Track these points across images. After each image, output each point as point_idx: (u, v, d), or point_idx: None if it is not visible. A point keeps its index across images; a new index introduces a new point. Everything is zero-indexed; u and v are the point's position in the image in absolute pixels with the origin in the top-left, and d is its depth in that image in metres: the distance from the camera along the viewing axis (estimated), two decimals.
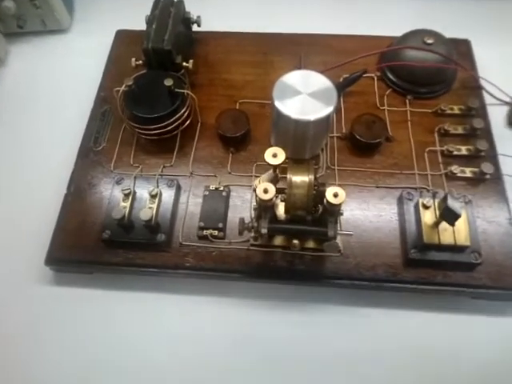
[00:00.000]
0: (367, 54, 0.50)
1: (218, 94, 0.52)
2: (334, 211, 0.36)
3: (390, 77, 0.51)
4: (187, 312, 0.42)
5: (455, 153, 0.46)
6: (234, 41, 0.56)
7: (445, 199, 0.37)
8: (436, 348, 0.40)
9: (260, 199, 0.35)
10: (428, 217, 0.41)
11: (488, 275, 0.40)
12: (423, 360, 0.40)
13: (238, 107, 0.50)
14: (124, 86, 0.45)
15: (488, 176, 0.44)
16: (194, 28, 0.55)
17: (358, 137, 0.46)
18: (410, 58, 0.48)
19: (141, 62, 0.49)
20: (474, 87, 0.51)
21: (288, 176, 0.37)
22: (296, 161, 0.38)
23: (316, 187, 0.37)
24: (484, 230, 0.42)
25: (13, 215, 0.48)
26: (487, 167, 0.44)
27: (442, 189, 0.44)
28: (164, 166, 0.47)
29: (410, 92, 0.50)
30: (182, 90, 0.46)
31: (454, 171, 0.44)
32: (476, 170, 0.45)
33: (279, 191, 0.37)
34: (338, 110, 0.49)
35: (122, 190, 0.43)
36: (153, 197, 0.43)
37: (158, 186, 0.45)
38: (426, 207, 0.41)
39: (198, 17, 0.54)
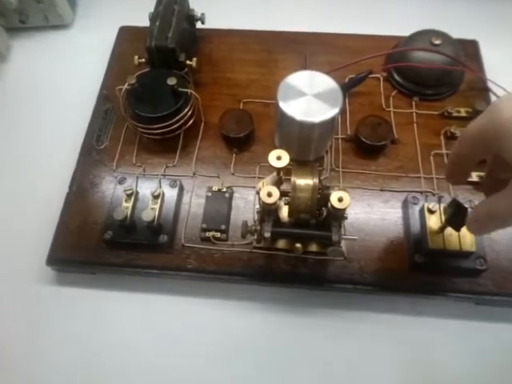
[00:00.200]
0: (374, 55, 0.49)
1: (221, 93, 0.51)
2: (339, 215, 0.36)
3: (397, 78, 0.50)
4: (189, 314, 0.42)
5: None
6: (238, 39, 0.55)
7: (451, 204, 0.36)
8: (438, 353, 0.40)
9: (263, 203, 0.35)
10: (433, 221, 0.40)
11: (493, 281, 0.40)
12: (425, 365, 0.40)
13: (241, 107, 0.50)
14: (127, 84, 0.45)
15: None
16: (198, 25, 0.54)
17: (363, 139, 0.45)
18: (416, 59, 0.48)
19: (144, 59, 0.48)
20: (481, 89, 0.50)
21: (292, 179, 0.36)
22: (300, 163, 0.38)
23: (320, 190, 0.36)
24: (489, 236, 0.41)
25: (14, 214, 0.47)
26: None
27: (447, 193, 0.44)
28: (167, 166, 0.46)
29: (416, 93, 0.49)
30: (186, 90, 0.46)
31: None
32: (482, 174, 0.44)
33: (283, 194, 0.37)
34: (343, 111, 0.48)
35: (125, 191, 0.42)
36: (155, 197, 0.43)
37: (160, 187, 0.44)
38: (431, 212, 0.41)
39: (203, 14, 0.53)
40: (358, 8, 0.61)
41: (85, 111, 0.51)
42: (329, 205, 0.34)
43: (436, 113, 0.48)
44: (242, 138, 0.47)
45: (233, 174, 0.46)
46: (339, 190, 0.35)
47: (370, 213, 0.43)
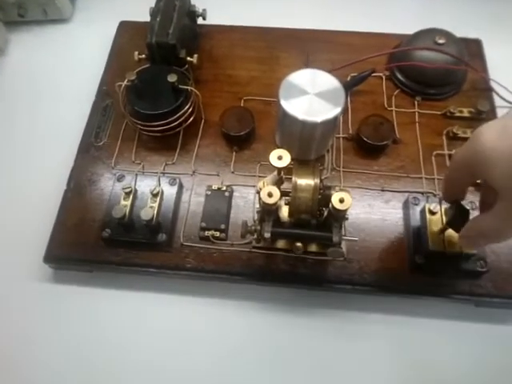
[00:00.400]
0: (377, 54, 0.49)
1: (222, 90, 0.51)
2: (340, 216, 0.35)
3: (399, 77, 0.49)
4: (187, 313, 0.42)
5: None
6: (239, 35, 0.55)
7: (453, 206, 0.36)
8: (438, 354, 0.40)
9: (264, 203, 0.34)
10: (434, 223, 0.40)
11: (493, 283, 0.40)
12: (424, 366, 0.40)
13: (242, 104, 0.49)
14: (126, 80, 0.44)
15: None
16: (199, 21, 0.54)
17: (364, 138, 0.45)
18: (420, 58, 0.47)
19: (144, 55, 0.48)
20: (484, 89, 0.50)
21: (293, 179, 0.36)
22: (301, 162, 0.38)
23: (321, 191, 0.36)
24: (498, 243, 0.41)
25: (11, 211, 0.47)
26: None
27: None
28: (166, 164, 0.46)
29: (418, 93, 0.49)
30: (186, 87, 0.45)
31: None
32: None
33: (283, 194, 0.36)
34: (345, 109, 0.48)
35: (123, 189, 0.42)
36: (154, 195, 0.42)
37: (159, 185, 0.44)
38: (432, 213, 0.40)
39: (204, 10, 0.52)
40: (361, 5, 0.60)
41: (83, 107, 0.50)
42: (330, 206, 0.34)
43: (438, 112, 0.48)
44: (243, 136, 0.46)
45: (233, 172, 0.45)
46: (340, 190, 0.35)
47: (371, 213, 0.43)
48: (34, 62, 0.57)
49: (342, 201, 0.33)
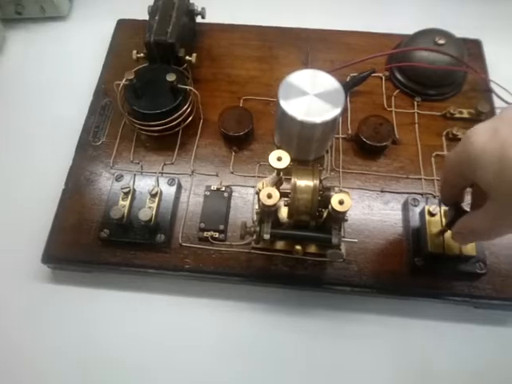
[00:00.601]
0: (377, 54, 0.48)
1: (221, 89, 0.50)
2: (339, 218, 0.35)
3: (399, 77, 0.49)
4: (186, 314, 0.41)
5: None
6: (238, 34, 0.54)
7: (452, 208, 0.36)
8: (437, 356, 0.40)
9: (263, 204, 0.34)
10: (433, 224, 0.40)
11: (492, 285, 0.40)
12: (423, 368, 0.40)
13: (241, 104, 0.49)
14: (125, 79, 0.44)
15: None
16: (198, 20, 0.53)
17: (364, 139, 0.45)
18: (420, 58, 0.47)
19: (142, 54, 0.47)
20: (484, 90, 0.49)
21: (292, 180, 0.36)
22: (301, 163, 0.37)
23: (321, 192, 0.36)
24: (490, 240, 0.41)
25: (9, 210, 0.46)
26: None
27: None
28: (165, 164, 0.46)
29: (418, 93, 0.49)
30: (185, 86, 0.45)
31: None
32: None
33: (283, 195, 0.36)
34: (344, 110, 0.48)
35: (122, 189, 0.42)
36: (153, 196, 0.42)
37: (158, 185, 0.43)
38: (431, 214, 0.40)
39: (203, 8, 0.52)
40: (361, 5, 0.60)
41: (81, 106, 0.50)
42: (329, 207, 0.34)
43: (438, 113, 0.48)
44: (242, 137, 0.46)
45: (232, 172, 0.45)
46: (340, 191, 0.35)
47: (370, 214, 0.43)
48: (31, 60, 0.57)
49: (341, 202, 0.33)
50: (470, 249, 0.39)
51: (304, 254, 0.40)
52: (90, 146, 0.47)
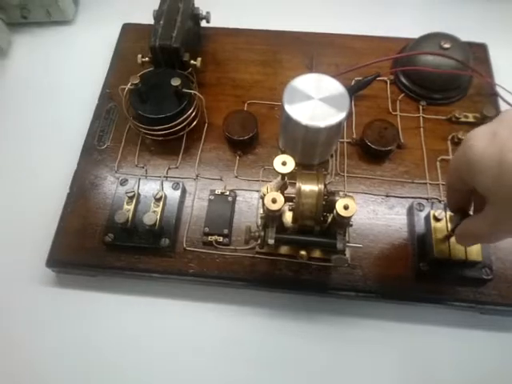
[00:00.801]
0: (382, 58, 0.48)
1: (225, 93, 0.50)
2: (344, 223, 0.35)
3: (404, 81, 0.49)
4: (189, 318, 0.41)
5: None
6: (242, 38, 0.54)
7: (458, 213, 0.36)
8: (442, 362, 0.40)
9: (268, 209, 0.34)
10: (439, 230, 0.40)
11: (498, 291, 0.39)
12: (428, 373, 0.39)
13: (246, 108, 0.49)
14: (130, 84, 0.44)
15: None
16: (203, 24, 0.53)
17: (369, 143, 0.45)
18: (425, 62, 0.47)
19: (147, 58, 0.47)
20: (489, 94, 0.49)
21: (297, 184, 0.36)
22: (305, 168, 0.37)
23: (326, 197, 0.36)
24: (496, 246, 0.40)
25: (14, 214, 0.47)
26: None
27: None
28: (169, 168, 0.46)
29: (423, 97, 0.48)
30: (190, 90, 0.45)
31: None
32: None
33: (287, 200, 0.36)
34: (349, 114, 0.47)
35: (126, 193, 0.42)
36: (157, 200, 0.42)
37: (162, 189, 0.43)
38: (437, 219, 0.40)
39: (208, 13, 0.52)
40: (366, 9, 0.60)
41: (86, 110, 0.50)
42: (334, 212, 0.34)
43: (443, 117, 0.48)
44: (246, 141, 0.46)
45: (236, 176, 0.45)
46: (345, 196, 0.35)
47: (375, 219, 0.43)
48: (36, 64, 0.57)
49: (346, 207, 0.33)
50: (475, 254, 0.38)
51: (308, 259, 0.40)
52: (95, 150, 0.47)
